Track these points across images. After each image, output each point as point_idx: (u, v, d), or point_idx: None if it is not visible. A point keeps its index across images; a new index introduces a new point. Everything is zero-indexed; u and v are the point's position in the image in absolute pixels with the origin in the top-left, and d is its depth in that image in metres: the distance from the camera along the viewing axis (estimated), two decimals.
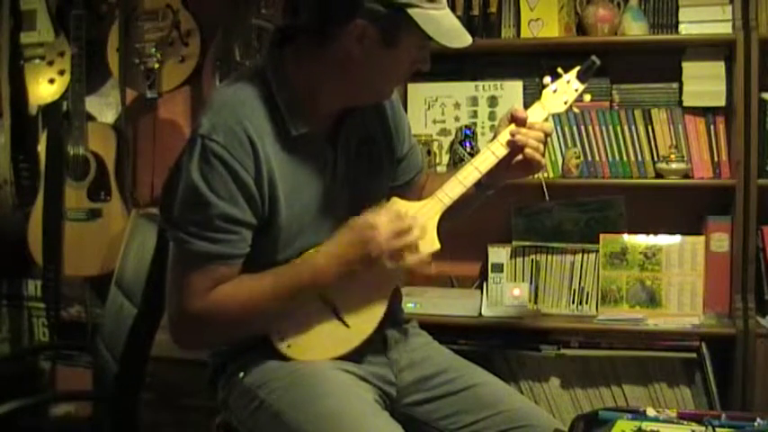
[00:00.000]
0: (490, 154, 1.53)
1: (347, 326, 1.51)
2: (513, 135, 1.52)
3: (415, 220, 1.43)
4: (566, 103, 1.59)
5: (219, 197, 1.39)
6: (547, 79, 1.60)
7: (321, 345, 1.51)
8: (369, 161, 1.58)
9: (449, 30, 1.40)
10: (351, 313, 1.51)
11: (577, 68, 1.59)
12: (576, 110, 1.66)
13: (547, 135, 1.55)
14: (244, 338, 1.52)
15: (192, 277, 1.42)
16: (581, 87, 1.59)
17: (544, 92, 1.59)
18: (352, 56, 1.40)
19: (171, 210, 1.45)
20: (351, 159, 1.54)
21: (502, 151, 1.53)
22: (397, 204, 1.52)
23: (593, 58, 1.57)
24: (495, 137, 1.56)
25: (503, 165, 1.55)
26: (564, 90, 1.59)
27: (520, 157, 1.54)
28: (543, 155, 1.54)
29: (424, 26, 1.37)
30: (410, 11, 1.36)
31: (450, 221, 1.53)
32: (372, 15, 1.36)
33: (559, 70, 1.60)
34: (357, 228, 1.42)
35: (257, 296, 1.43)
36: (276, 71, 1.46)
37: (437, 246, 1.50)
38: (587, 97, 1.62)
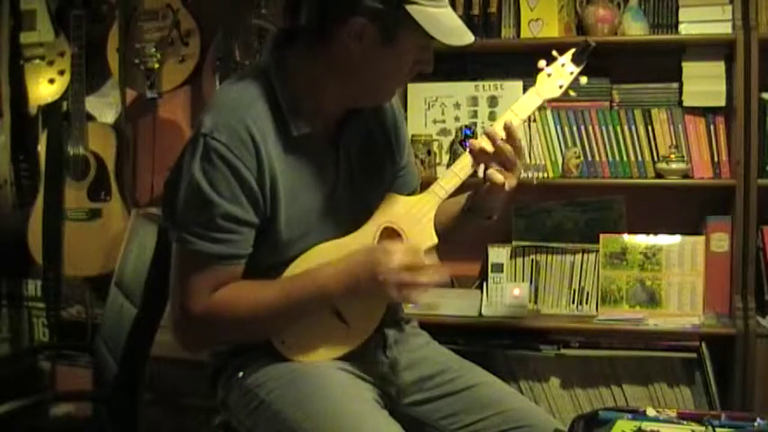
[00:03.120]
0: (486, 141, 1.50)
1: (348, 325, 1.51)
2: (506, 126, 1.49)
3: (434, 267, 1.42)
4: (561, 87, 1.56)
5: (222, 196, 1.39)
6: (542, 63, 1.57)
7: (322, 344, 1.51)
8: (370, 164, 1.57)
9: (449, 27, 1.39)
10: (352, 313, 1.50)
11: (572, 51, 1.57)
12: (572, 92, 1.60)
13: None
14: (247, 341, 1.52)
15: (194, 278, 1.42)
16: (576, 70, 1.56)
17: (539, 76, 1.57)
18: (352, 55, 1.40)
19: (173, 209, 1.45)
20: (353, 161, 1.54)
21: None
22: (396, 202, 1.52)
23: (588, 39, 1.56)
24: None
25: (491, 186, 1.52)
26: (559, 74, 1.56)
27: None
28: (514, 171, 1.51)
29: (424, 24, 1.36)
30: (409, 8, 1.35)
31: (446, 243, 1.53)
32: (371, 13, 1.36)
33: (554, 53, 1.58)
34: (372, 249, 1.43)
35: (262, 303, 1.43)
36: (279, 71, 1.46)
37: (434, 240, 1.50)
38: (584, 80, 1.59)
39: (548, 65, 1.57)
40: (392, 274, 1.38)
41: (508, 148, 1.48)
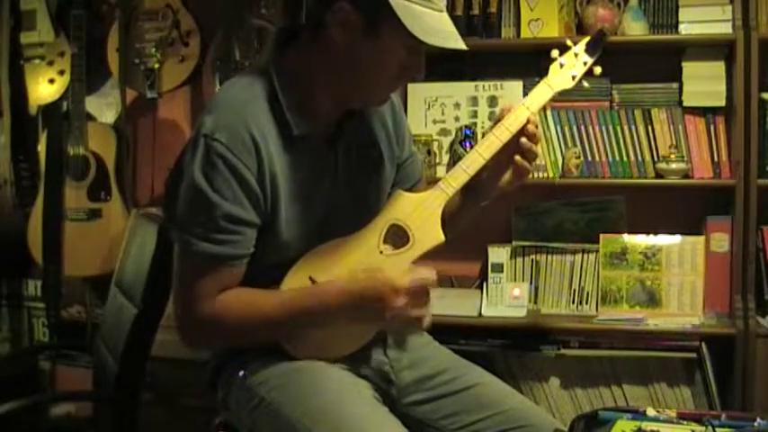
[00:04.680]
0: (495, 139, 1.50)
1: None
2: (528, 121, 1.49)
3: (434, 285, 1.40)
4: (574, 78, 1.52)
5: (223, 197, 1.39)
6: (555, 52, 1.53)
7: (329, 344, 1.51)
8: (370, 164, 1.57)
9: (432, 28, 1.37)
10: None
11: (586, 39, 1.53)
12: (585, 83, 1.55)
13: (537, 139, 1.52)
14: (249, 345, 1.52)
15: (197, 279, 1.42)
16: (590, 60, 1.52)
17: (551, 67, 1.53)
18: (336, 43, 1.39)
19: (174, 210, 1.45)
20: (352, 162, 1.54)
21: (506, 135, 1.49)
22: (404, 199, 1.51)
23: (603, 28, 1.52)
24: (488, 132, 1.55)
25: (495, 169, 1.54)
26: (572, 64, 1.52)
27: (507, 165, 1.53)
28: (535, 158, 1.53)
29: (404, 18, 1.34)
30: (392, 1, 1.34)
31: (449, 234, 1.52)
32: (355, 0, 1.35)
33: (568, 42, 1.54)
34: (381, 283, 1.38)
35: (263, 316, 1.44)
36: (279, 70, 1.46)
37: (441, 238, 1.49)
38: (597, 70, 1.54)
39: (561, 54, 1.53)
40: (398, 313, 1.38)
41: (524, 141, 1.49)
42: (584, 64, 1.53)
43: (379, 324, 1.45)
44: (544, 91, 1.53)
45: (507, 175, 1.55)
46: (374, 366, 1.56)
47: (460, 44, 1.40)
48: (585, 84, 1.56)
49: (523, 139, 1.50)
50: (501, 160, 1.53)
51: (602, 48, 1.53)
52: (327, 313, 1.43)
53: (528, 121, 1.50)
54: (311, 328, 1.48)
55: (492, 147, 1.50)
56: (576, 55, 1.53)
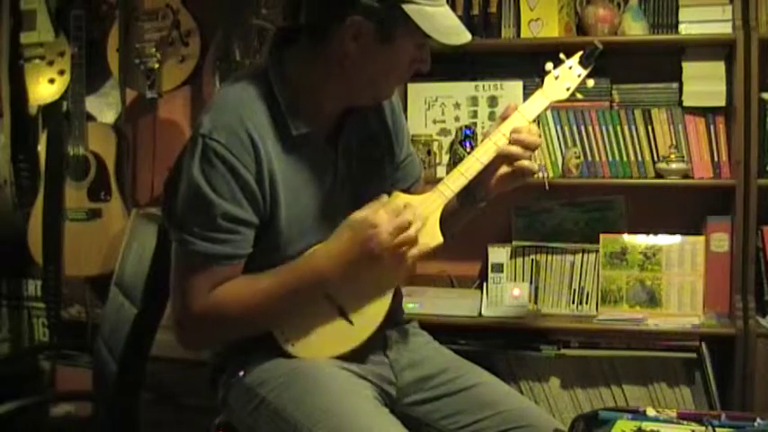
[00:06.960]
0: (492, 144, 1.51)
1: (351, 323, 1.51)
2: (517, 132, 1.51)
3: (415, 211, 1.42)
4: (568, 89, 1.56)
5: (221, 197, 1.39)
6: (549, 65, 1.57)
7: (325, 343, 1.51)
8: (370, 162, 1.57)
9: (446, 27, 1.39)
10: (355, 310, 1.51)
11: (580, 53, 1.57)
12: (578, 95, 1.59)
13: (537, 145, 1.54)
14: (249, 336, 1.52)
15: (195, 278, 1.42)
16: (584, 73, 1.56)
17: (546, 78, 1.57)
18: (348, 53, 1.40)
19: (173, 210, 1.45)
20: (352, 160, 1.54)
21: (503, 141, 1.51)
22: (399, 198, 1.52)
23: (596, 42, 1.56)
24: (485, 136, 1.55)
25: (493, 171, 1.54)
26: (566, 76, 1.56)
27: (505, 169, 1.53)
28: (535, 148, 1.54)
29: (420, 22, 1.36)
30: (405, 6, 1.35)
31: (447, 233, 1.52)
32: (367, 11, 1.36)
33: (561, 56, 1.58)
34: (357, 227, 1.41)
35: (259, 296, 1.44)
36: (277, 71, 1.46)
37: (440, 239, 1.49)
38: (590, 83, 1.59)
39: (555, 67, 1.57)
40: (385, 244, 1.38)
41: (515, 137, 1.50)
42: (578, 76, 1.57)
43: (377, 266, 1.41)
44: (540, 101, 1.56)
45: (504, 172, 1.54)
46: (374, 367, 1.56)
47: (467, 35, 1.43)
48: (579, 95, 1.59)
49: (515, 135, 1.51)
50: (498, 163, 1.54)
51: (595, 61, 1.57)
52: (320, 276, 1.42)
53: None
54: (311, 300, 1.46)
55: (489, 152, 1.52)
56: (569, 68, 1.57)
